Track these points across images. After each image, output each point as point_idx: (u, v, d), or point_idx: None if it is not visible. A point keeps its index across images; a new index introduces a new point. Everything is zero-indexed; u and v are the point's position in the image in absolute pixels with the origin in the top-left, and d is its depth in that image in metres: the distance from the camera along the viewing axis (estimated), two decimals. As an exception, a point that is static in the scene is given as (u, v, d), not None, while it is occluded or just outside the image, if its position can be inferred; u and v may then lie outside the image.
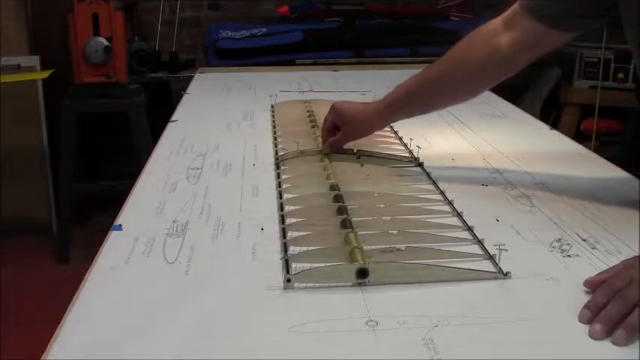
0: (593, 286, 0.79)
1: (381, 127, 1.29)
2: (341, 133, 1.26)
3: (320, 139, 1.34)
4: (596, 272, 0.82)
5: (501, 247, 0.87)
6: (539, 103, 3.20)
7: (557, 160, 1.32)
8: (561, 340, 0.71)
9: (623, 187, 1.18)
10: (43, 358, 0.69)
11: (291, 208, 1.05)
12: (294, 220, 1.00)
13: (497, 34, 1.11)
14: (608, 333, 0.71)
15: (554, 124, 2.81)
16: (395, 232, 0.95)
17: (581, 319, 0.74)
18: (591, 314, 0.74)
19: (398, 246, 0.89)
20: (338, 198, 1.04)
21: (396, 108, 1.21)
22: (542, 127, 1.61)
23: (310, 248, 0.90)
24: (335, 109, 1.27)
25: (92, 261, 0.89)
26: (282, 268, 0.86)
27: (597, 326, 0.72)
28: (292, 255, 0.88)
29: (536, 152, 1.37)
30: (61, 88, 2.76)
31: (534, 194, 1.13)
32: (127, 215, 1.05)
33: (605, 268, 0.83)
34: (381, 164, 1.26)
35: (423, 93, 1.19)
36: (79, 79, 2.65)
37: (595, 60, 3.05)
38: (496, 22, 1.13)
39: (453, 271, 0.84)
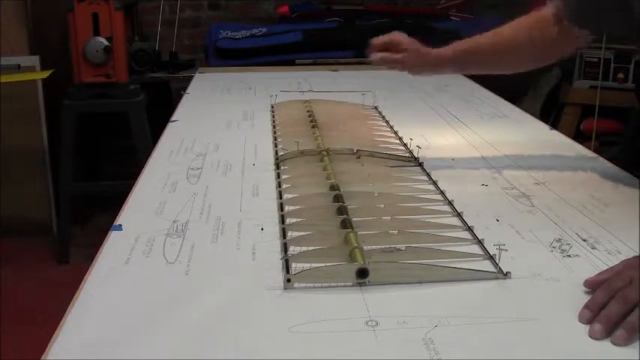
0: (593, 286, 0.79)
1: (442, 67, 1.28)
2: (400, 56, 1.23)
3: (320, 140, 1.34)
4: (596, 272, 0.82)
5: (501, 247, 0.87)
6: (539, 103, 3.19)
7: (557, 160, 1.32)
8: (561, 340, 0.71)
9: (623, 187, 1.18)
10: (43, 358, 0.69)
11: (291, 208, 1.05)
12: (294, 220, 1.00)
13: (549, 25, 1.19)
14: (608, 333, 0.71)
15: (554, 124, 2.81)
16: (395, 232, 0.95)
17: (581, 319, 0.74)
18: (591, 314, 0.74)
19: (398, 246, 0.89)
20: (338, 198, 1.04)
21: (464, 56, 1.24)
22: (542, 127, 1.61)
23: (310, 248, 0.90)
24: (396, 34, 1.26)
25: (92, 261, 0.89)
26: (282, 268, 0.86)
27: (597, 326, 0.72)
28: (292, 255, 0.88)
29: (537, 152, 1.37)
30: (61, 88, 2.76)
31: (534, 194, 1.13)
32: (127, 215, 1.05)
33: (605, 268, 0.83)
34: (381, 164, 1.26)
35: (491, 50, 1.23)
36: (79, 79, 2.65)
37: (595, 60, 3.05)
38: (548, 14, 1.20)
39: (453, 271, 0.84)
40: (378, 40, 1.26)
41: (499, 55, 1.24)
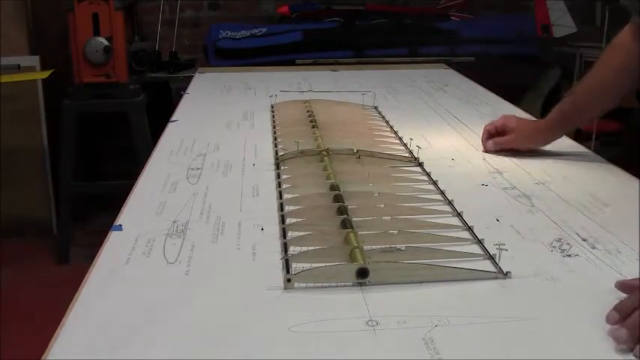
0: (623, 288, 0.77)
1: (548, 137, 1.34)
2: (508, 136, 1.32)
3: (320, 140, 1.34)
4: (596, 272, 0.81)
5: (501, 247, 0.87)
6: (539, 103, 3.19)
7: (557, 160, 1.32)
8: (561, 340, 0.71)
9: (623, 187, 1.18)
10: (43, 358, 0.69)
11: (291, 208, 1.05)
12: (294, 220, 1.00)
13: (631, 47, 1.23)
14: (632, 340, 0.69)
15: (555, 124, 2.81)
16: (395, 232, 0.94)
17: (607, 320, 0.73)
18: (619, 317, 0.72)
19: (398, 246, 0.89)
20: (338, 198, 1.04)
21: (563, 119, 1.31)
22: (542, 127, 1.61)
23: (310, 248, 0.90)
24: (505, 116, 1.36)
25: (92, 261, 0.89)
26: (282, 268, 0.86)
27: (623, 331, 0.70)
28: (292, 255, 0.88)
29: (537, 152, 1.36)
30: (61, 88, 2.76)
31: (534, 194, 1.13)
32: (127, 215, 1.05)
33: (605, 267, 0.83)
34: (381, 164, 1.26)
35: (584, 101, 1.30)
36: (79, 79, 2.66)
37: (595, 60, 3.05)
38: (628, 34, 1.24)
39: (453, 271, 0.84)
40: (490, 126, 1.34)
41: (597, 97, 1.29)
